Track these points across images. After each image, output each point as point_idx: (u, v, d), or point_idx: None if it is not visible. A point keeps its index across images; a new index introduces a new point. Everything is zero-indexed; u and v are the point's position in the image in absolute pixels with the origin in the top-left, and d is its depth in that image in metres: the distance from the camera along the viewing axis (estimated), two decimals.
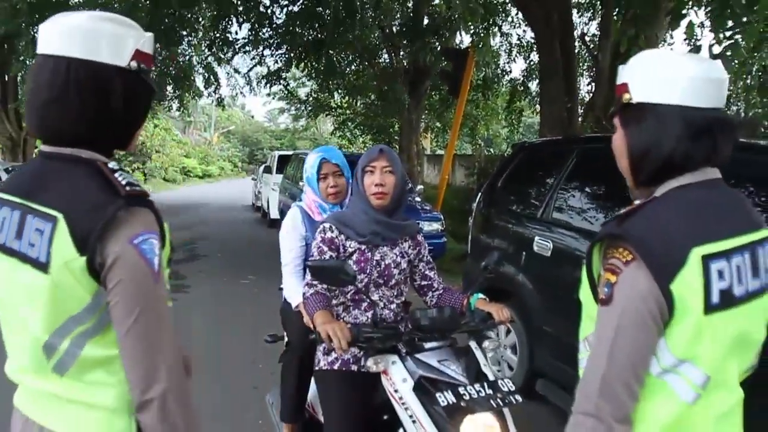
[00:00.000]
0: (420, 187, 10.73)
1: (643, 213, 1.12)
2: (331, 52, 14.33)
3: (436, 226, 8.57)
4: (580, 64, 12.72)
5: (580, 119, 8.71)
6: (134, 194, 1.12)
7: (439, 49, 13.57)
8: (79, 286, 1.09)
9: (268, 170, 15.36)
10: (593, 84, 9.00)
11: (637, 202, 1.18)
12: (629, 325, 1.06)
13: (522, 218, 4.17)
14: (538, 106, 17.25)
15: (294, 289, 2.67)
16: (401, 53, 15.71)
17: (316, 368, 2.28)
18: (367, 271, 2.21)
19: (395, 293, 2.30)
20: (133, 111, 1.22)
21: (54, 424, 1.17)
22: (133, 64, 1.17)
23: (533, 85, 16.25)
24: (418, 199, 9.52)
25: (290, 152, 15.80)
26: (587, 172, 3.76)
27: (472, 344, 2.08)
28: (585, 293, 1.23)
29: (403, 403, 1.84)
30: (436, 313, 2.00)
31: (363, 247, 2.22)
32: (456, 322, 2.06)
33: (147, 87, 1.23)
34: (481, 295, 2.27)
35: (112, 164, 1.18)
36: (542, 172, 4.23)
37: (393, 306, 2.28)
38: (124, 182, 1.13)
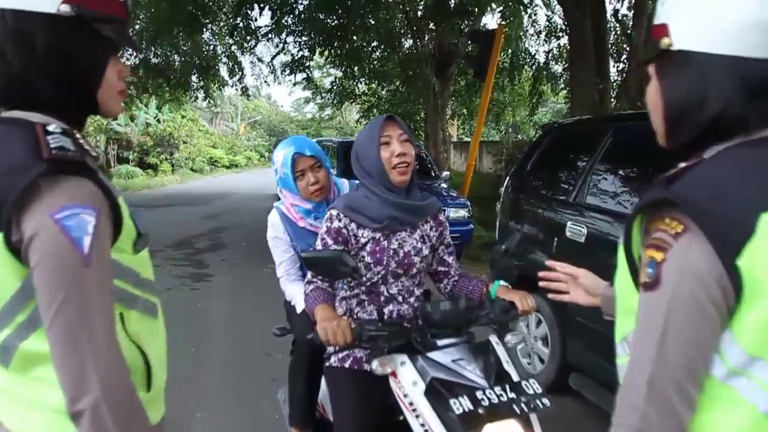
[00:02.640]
0: (446, 173, 10.46)
1: (694, 174, 0.87)
2: (354, 38, 14.14)
3: (462, 213, 8.35)
4: (613, 44, 12.30)
5: (612, 101, 8.38)
6: (60, 159, 0.92)
7: (465, 31, 13.23)
8: (4, 269, 0.91)
9: None
10: (626, 63, 8.59)
11: (682, 164, 0.91)
12: (683, 313, 0.82)
13: (553, 203, 3.92)
14: (562, 90, 16.92)
15: (295, 294, 2.47)
16: (426, 38, 15.41)
17: (326, 364, 2.07)
18: (384, 262, 1.96)
19: (416, 282, 2.07)
20: (77, 65, 1.03)
21: (9, 422, 1.00)
22: (64, 8, 0.97)
23: (557, 68, 15.87)
24: (444, 185, 9.30)
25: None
26: (624, 151, 3.49)
27: (493, 339, 1.85)
28: (622, 280, 0.97)
29: (413, 409, 1.62)
30: (450, 305, 1.76)
31: (378, 235, 1.96)
32: (473, 315, 1.82)
33: (98, 37, 1.03)
34: (502, 282, 2.01)
35: (53, 126, 0.98)
36: (574, 154, 3.97)
37: (412, 299, 2.05)
38: (53, 144, 0.93)
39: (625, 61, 11.48)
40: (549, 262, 1.55)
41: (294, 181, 2.40)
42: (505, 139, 16.30)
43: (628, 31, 8.26)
